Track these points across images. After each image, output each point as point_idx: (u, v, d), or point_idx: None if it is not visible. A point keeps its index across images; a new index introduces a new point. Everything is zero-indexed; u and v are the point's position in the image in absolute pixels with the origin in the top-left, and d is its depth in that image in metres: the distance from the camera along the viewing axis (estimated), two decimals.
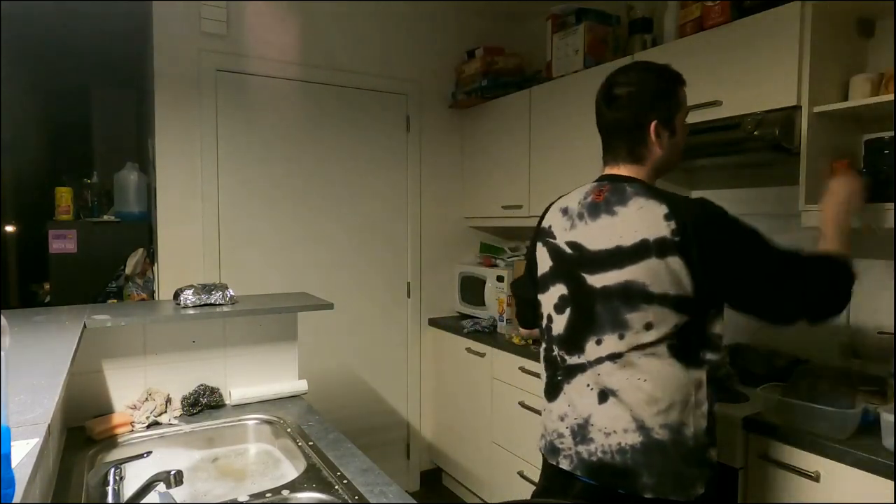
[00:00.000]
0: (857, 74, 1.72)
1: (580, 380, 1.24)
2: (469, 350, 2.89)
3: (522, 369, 2.50)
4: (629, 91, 1.24)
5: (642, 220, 1.15)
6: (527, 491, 2.38)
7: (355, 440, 1.47)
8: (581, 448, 1.22)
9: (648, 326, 1.15)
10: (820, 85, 1.70)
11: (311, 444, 1.42)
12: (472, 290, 3.10)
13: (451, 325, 3.07)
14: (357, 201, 3.02)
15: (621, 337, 1.17)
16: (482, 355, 2.79)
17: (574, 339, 1.25)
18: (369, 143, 3.04)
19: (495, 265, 3.10)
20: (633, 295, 1.14)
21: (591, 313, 1.21)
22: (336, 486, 1.18)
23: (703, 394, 1.17)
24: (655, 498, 1.15)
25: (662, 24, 2.24)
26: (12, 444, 0.70)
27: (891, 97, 1.55)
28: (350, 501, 1.13)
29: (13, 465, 0.69)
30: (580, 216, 1.27)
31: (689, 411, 1.16)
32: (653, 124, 1.23)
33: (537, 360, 2.45)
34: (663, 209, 1.14)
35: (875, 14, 1.80)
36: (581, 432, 1.23)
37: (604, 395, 1.20)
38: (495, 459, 2.72)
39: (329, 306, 1.88)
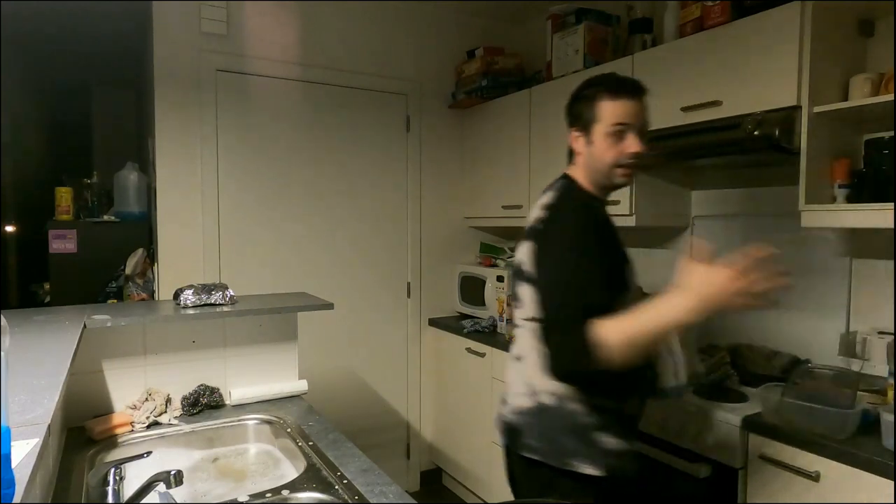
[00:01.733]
0: (857, 74, 1.72)
1: (511, 348, 1.42)
2: (469, 350, 2.88)
3: None
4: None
5: (536, 205, 1.36)
6: None
7: (355, 440, 1.47)
8: (502, 410, 1.41)
9: (525, 304, 1.33)
10: (820, 85, 1.70)
11: (311, 444, 1.41)
12: (472, 290, 3.10)
13: (451, 325, 3.07)
14: (357, 201, 3.02)
15: (517, 307, 1.37)
16: (482, 355, 2.79)
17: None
18: (369, 143, 3.03)
19: (495, 265, 3.10)
20: (517, 270, 1.36)
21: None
22: (336, 486, 1.18)
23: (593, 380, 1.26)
24: (530, 458, 1.30)
25: (662, 24, 2.24)
26: (12, 444, 0.70)
27: (891, 97, 1.55)
28: (350, 501, 1.13)
29: (13, 465, 0.69)
30: None
31: (577, 388, 1.27)
32: (572, 131, 1.38)
33: None
34: (548, 198, 1.34)
35: (875, 14, 1.80)
36: (504, 396, 1.41)
37: (517, 359, 1.37)
38: (495, 459, 2.72)
39: (329, 306, 1.88)
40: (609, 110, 1.30)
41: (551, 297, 1.23)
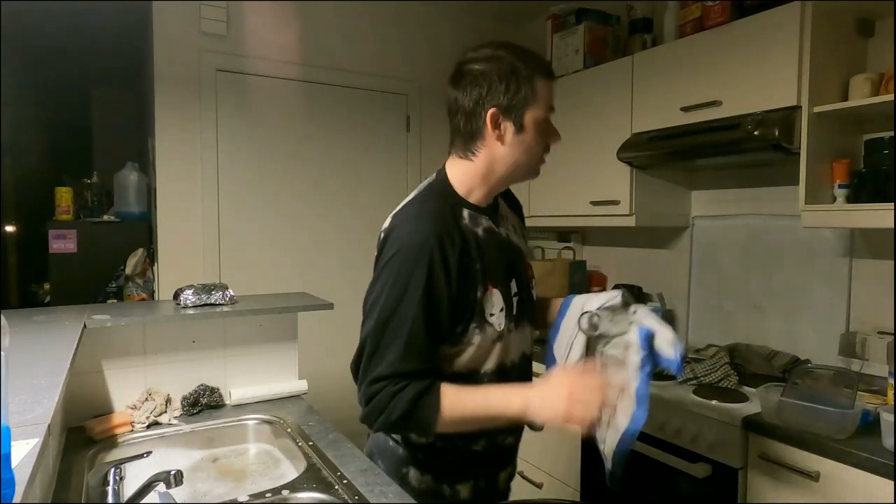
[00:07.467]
0: (857, 74, 1.72)
1: None
2: None
3: None
4: (475, 68, 1.06)
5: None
6: (526, 491, 2.38)
7: (355, 440, 1.46)
8: None
9: None
10: (820, 85, 1.70)
11: (311, 444, 1.41)
12: None
13: None
14: (357, 201, 3.02)
15: None
16: None
17: None
18: (369, 143, 3.03)
19: None
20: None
21: None
22: (336, 486, 1.18)
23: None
24: None
25: (662, 24, 2.25)
26: (12, 444, 0.70)
27: (891, 97, 1.55)
28: (350, 501, 1.13)
29: (13, 465, 0.69)
30: None
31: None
32: (490, 111, 1.05)
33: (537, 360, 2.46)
34: (387, 221, 1.10)
35: (875, 14, 1.80)
36: None
37: None
38: None
39: (329, 306, 1.88)
40: (548, 92, 1.09)
41: (375, 332, 1.02)
